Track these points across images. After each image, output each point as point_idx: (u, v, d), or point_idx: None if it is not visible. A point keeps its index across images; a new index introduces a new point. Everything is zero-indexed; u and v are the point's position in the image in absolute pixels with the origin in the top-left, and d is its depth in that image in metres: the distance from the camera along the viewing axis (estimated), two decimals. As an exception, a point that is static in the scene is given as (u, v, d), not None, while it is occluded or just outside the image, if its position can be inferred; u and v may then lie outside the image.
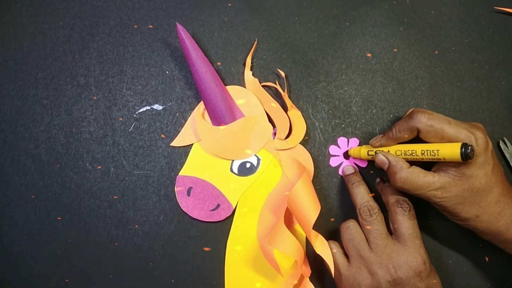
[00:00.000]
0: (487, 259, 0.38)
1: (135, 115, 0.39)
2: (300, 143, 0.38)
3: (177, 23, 0.36)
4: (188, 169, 0.38)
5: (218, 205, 0.37)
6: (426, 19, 0.42)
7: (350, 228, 0.35)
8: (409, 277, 0.32)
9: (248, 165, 0.38)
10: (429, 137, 0.32)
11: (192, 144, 0.38)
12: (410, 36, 0.42)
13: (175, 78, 0.39)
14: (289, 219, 0.37)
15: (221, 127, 0.37)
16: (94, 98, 0.38)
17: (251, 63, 0.40)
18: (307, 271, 0.35)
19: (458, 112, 0.40)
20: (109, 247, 0.36)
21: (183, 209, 0.37)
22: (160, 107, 0.39)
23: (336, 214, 0.38)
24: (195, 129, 0.38)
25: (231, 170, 0.37)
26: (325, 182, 0.38)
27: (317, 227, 0.36)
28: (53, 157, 0.38)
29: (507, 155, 0.39)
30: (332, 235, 0.38)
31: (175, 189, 0.37)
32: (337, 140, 0.39)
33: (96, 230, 0.37)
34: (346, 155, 0.39)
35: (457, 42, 0.42)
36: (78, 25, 0.40)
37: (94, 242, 0.36)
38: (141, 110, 0.39)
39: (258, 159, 0.38)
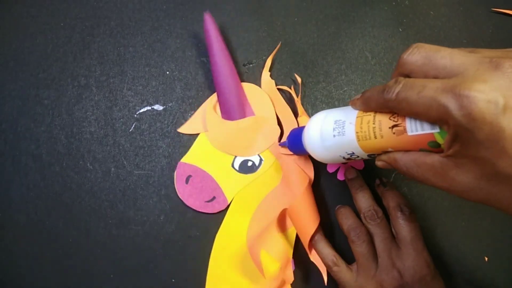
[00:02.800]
0: (486, 259, 0.38)
1: (135, 116, 0.39)
2: None
3: (205, 13, 0.36)
4: (190, 157, 0.38)
5: (214, 197, 0.37)
6: (425, 20, 0.43)
7: (362, 238, 0.33)
8: (414, 282, 0.32)
9: (249, 163, 0.38)
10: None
11: (198, 134, 0.38)
12: (410, 37, 0.42)
13: (175, 79, 0.40)
14: (282, 223, 0.37)
15: (230, 122, 0.37)
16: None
17: (269, 65, 0.40)
18: (290, 278, 0.35)
19: (457, 113, 0.40)
20: (109, 247, 0.37)
21: (179, 195, 0.37)
22: (161, 108, 0.39)
23: (335, 215, 0.38)
24: (204, 119, 0.38)
25: (232, 166, 0.37)
26: (324, 182, 0.38)
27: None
28: (54, 157, 0.38)
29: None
30: (331, 235, 0.38)
31: (174, 174, 0.37)
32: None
33: (97, 229, 0.37)
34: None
35: (456, 43, 0.42)
36: (79, 25, 0.40)
37: (95, 242, 0.36)
38: (141, 110, 0.39)
39: (261, 160, 0.38)
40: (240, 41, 0.40)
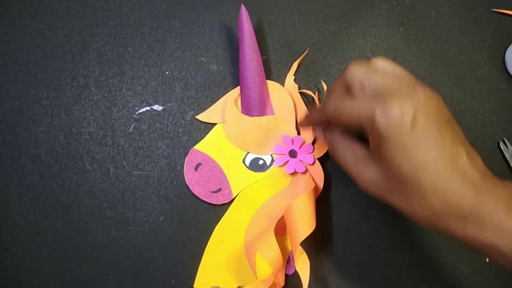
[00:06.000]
0: (487, 260, 0.38)
1: (135, 116, 0.39)
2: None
3: (243, 5, 0.36)
4: (204, 145, 0.38)
5: (220, 189, 0.37)
6: (426, 20, 0.42)
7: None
8: None
9: (261, 162, 0.37)
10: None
11: (215, 124, 0.38)
12: (410, 37, 0.42)
13: (175, 79, 0.39)
14: (282, 228, 0.36)
15: (249, 118, 0.37)
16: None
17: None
18: (281, 281, 0.35)
19: (458, 113, 0.40)
20: (109, 248, 0.36)
21: (186, 181, 0.37)
22: (160, 108, 0.39)
23: (336, 214, 0.38)
24: (224, 110, 0.38)
25: (243, 162, 0.37)
26: (328, 184, 0.38)
27: (318, 228, 0.36)
28: (52, 158, 0.37)
29: (507, 155, 0.39)
30: (331, 235, 0.38)
31: (185, 159, 0.37)
32: (281, 139, 0.37)
33: (96, 230, 0.36)
34: (292, 154, 0.37)
35: (457, 42, 0.42)
36: (78, 25, 0.40)
37: (94, 243, 0.36)
38: (141, 110, 0.39)
39: (272, 160, 0.38)
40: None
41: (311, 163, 0.37)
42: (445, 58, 0.41)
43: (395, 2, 0.43)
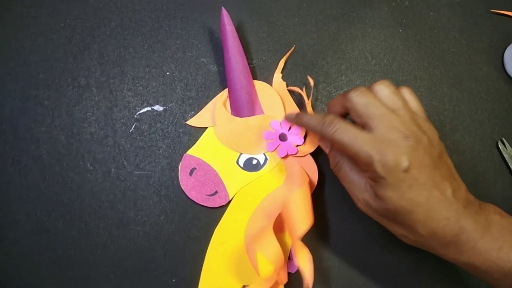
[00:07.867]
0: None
1: (136, 116, 0.39)
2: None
3: (223, 8, 0.37)
4: (196, 150, 0.38)
5: (216, 192, 0.37)
6: (425, 21, 0.43)
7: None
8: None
9: (254, 161, 0.38)
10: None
11: (206, 128, 0.38)
12: (409, 38, 0.42)
13: (175, 79, 0.40)
14: (281, 225, 0.36)
15: (238, 119, 0.37)
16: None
17: (283, 67, 0.40)
18: (284, 279, 0.35)
19: (457, 113, 0.41)
20: (109, 248, 0.36)
21: (182, 187, 0.37)
22: (161, 108, 0.39)
23: (334, 214, 0.38)
24: (214, 114, 0.38)
25: (237, 163, 0.37)
26: (322, 180, 0.38)
27: (314, 225, 0.36)
28: (54, 158, 0.38)
29: (505, 155, 0.40)
30: (327, 240, 0.38)
31: (179, 165, 0.37)
32: (270, 124, 0.38)
33: (97, 230, 0.37)
34: (282, 137, 0.38)
35: (455, 43, 0.42)
36: (79, 26, 0.40)
37: (95, 242, 0.36)
38: (142, 111, 0.39)
39: (266, 159, 0.38)
40: (241, 41, 0.40)
41: (301, 143, 0.37)
42: (444, 59, 0.42)
43: (394, 3, 0.43)
